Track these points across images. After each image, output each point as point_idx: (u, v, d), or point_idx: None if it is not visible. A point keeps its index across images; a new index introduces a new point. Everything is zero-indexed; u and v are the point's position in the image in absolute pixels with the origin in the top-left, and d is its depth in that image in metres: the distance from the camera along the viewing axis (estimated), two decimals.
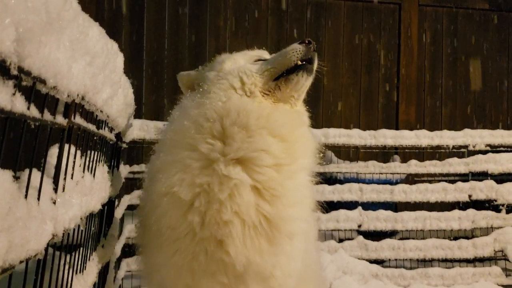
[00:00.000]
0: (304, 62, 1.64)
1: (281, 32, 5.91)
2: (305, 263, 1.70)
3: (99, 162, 1.51)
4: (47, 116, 0.84)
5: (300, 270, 1.64)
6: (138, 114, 4.40)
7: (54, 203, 0.95)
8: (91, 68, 1.01)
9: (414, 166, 4.44)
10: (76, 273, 1.41)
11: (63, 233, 1.03)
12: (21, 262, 0.76)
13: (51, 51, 0.73)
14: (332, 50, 6.04)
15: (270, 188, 1.48)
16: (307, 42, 1.67)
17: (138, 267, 2.03)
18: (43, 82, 0.73)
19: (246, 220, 1.45)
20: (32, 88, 0.72)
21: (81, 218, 1.24)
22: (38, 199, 0.86)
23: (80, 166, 1.19)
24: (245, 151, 1.47)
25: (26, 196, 0.80)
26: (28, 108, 0.71)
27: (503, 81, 6.55)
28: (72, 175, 1.11)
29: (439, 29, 6.41)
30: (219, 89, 1.57)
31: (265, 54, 1.79)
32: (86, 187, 1.27)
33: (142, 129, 3.68)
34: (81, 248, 1.50)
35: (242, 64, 1.68)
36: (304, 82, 1.65)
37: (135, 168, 3.84)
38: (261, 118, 1.51)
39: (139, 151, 4.89)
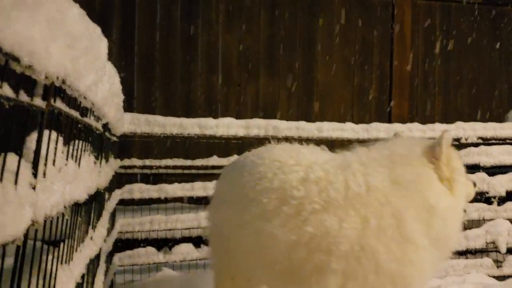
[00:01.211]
0: None
1: (274, 26, 5.88)
2: None
3: (84, 151, 1.48)
4: (24, 97, 0.82)
5: None
6: (129, 108, 4.37)
7: (34, 188, 0.92)
8: (72, 51, 0.99)
9: None
10: (62, 263, 1.38)
11: (45, 220, 1.01)
12: None
13: (24, 28, 0.70)
14: (325, 45, 6.03)
15: None
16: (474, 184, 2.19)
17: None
18: (17, 60, 0.71)
19: None
20: (5, 66, 0.70)
21: (64, 207, 1.22)
22: (16, 183, 0.83)
23: (62, 153, 1.16)
24: None
25: (1, 180, 0.78)
26: (1, 87, 0.68)
27: (496, 75, 6.56)
28: (54, 161, 1.09)
29: (432, 23, 6.41)
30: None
31: None
32: (69, 175, 1.25)
33: (133, 123, 3.65)
34: (67, 239, 1.47)
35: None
36: None
37: (126, 162, 3.82)
38: None
39: (131, 145, 4.87)
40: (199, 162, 3.98)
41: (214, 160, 4.01)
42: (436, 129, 4.40)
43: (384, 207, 1.77)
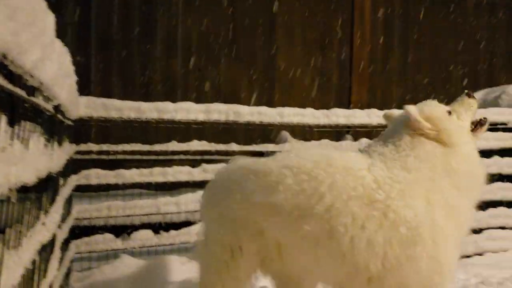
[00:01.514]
0: None
1: (235, 10, 5.82)
2: None
3: (32, 132, 1.42)
4: None
5: None
6: (87, 92, 4.24)
7: None
8: (13, 23, 0.93)
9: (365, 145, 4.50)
10: (8, 248, 1.33)
11: None
12: None
13: None
14: (287, 31, 6.02)
15: None
16: None
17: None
18: None
19: None
20: None
21: (10, 189, 1.17)
22: None
23: (6, 132, 1.11)
24: None
25: None
26: None
27: (452, 62, 6.74)
28: None
29: (392, 12, 6.51)
30: None
31: None
32: (15, 156, 1.19)
33: (89, 106, 3.55)
34: (15, 223, 1.42)
35: None
36: None
37: (83, 147, 3.71)
38: None
39: (88, 130, 4.74)
40: (158, 147, 3.92)
41: (174, 145, 3.96)
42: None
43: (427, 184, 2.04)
